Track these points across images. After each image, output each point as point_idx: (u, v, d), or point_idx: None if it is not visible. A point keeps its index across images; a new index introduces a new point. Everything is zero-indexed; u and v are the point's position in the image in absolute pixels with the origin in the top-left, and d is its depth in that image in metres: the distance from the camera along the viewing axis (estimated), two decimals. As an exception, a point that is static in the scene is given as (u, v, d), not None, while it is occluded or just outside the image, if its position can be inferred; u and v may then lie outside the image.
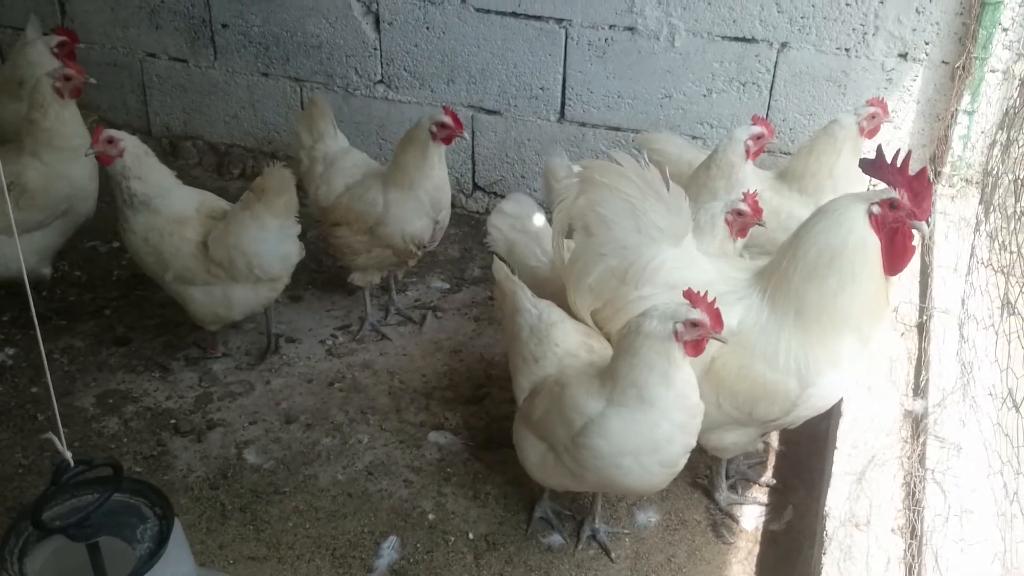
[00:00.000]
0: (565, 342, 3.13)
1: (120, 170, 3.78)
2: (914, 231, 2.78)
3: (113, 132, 3.77)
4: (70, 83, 4.12)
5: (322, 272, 4.85)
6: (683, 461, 2.87)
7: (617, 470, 2.82)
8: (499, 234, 3.73)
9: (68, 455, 1.97)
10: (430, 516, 3.45)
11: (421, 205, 4.07)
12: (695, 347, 2.67)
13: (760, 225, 3.43)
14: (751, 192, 3.45)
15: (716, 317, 2.65)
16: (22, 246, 4.06)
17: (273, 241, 3.87)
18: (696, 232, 3.38)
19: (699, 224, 3.40)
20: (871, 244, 2.79)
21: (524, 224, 3.72)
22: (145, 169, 3.82)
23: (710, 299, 2.66)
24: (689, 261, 3.14)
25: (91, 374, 4.14)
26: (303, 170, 4.36)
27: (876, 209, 2.76)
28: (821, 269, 2.84)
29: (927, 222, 2.80)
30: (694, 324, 2.63)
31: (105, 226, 4.53)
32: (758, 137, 3.77)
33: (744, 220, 3.42)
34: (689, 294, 2.68)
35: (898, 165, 2.76)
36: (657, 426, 2.74)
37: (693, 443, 2.84)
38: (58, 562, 2.04)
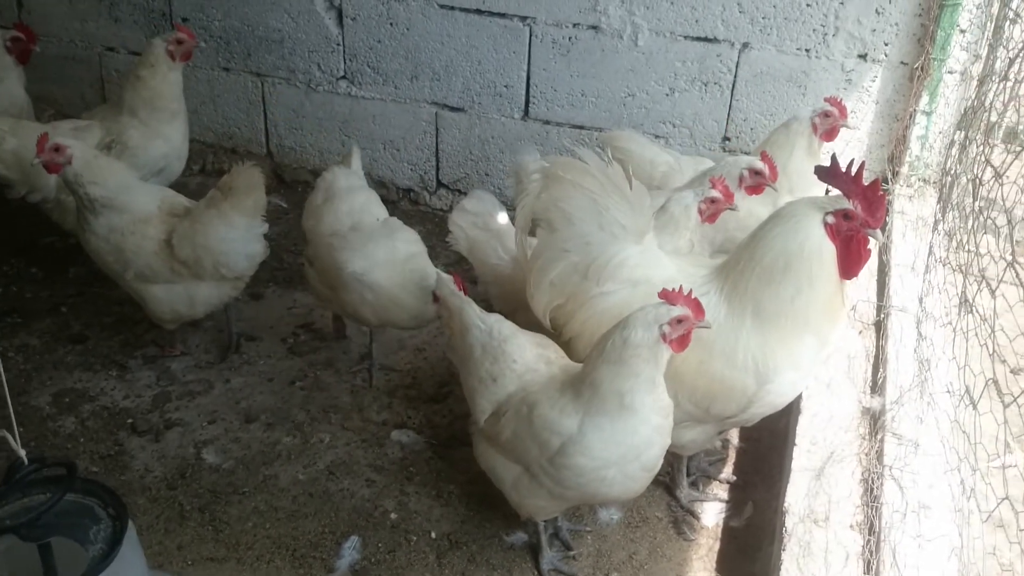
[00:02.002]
0: (522, 357, 3.03)
1: (72, 178, 3.70)
2: (869, 237, 2.81)
3: (59, 139, 3.69)
4: (182, 47, 4.45)
5: (283, 269, 4.81)
6: (660, 463, 2.87)
7: (601, 483, 2.80)
8: (460, 232, 3.72)
9: (22, 453, 1.94)
10: (392, 515, 3.43)
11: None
12: (681, 342, 2.68)
13: (732, 209, 3.45)
14: (719, 177, 3.47)
15: (697, 307, 2.66)
16: None
17: (240, 240, 3.82)
18: (669, 223, 3.40)
19: (672, 215, 3.41)
20: (827, 251, 2.82)
21: (486, 222, 3.71)
22: (99, 173, 3.74)
23: (686, 291, 2.68)
24: (650, 258, 3.16)
25: (47, 373, 4.08)
26: None
27: (831, 219, 2.80)
28: (777, 275, 2.87)
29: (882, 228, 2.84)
30: (679, 321, 2.64)
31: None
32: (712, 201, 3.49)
33: (717, 206, 3.43)
34: (665, 293, 2.68)
35: (852, 175, 2.79)
36: (636, 432, 2.72)
37: (668, 443, 2.84)
38: (9, 563, 2.01)
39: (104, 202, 3.74)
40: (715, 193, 3.40)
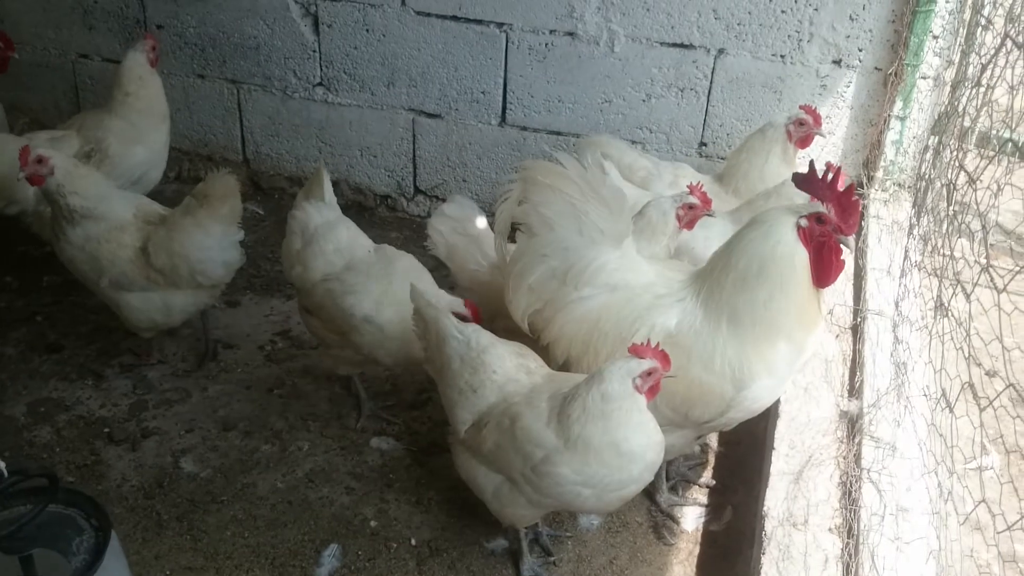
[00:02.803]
0: (502, 367, 2.99)
1: (55, 188, 3.68)
2: (841, 246, 2.83)
3: (41, 151, 3.66)
4: (155, 51, 4.63)
5: (260, 277, 4.79)
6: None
7: (576, 497, 2.81)
8: (440, 237, 3.71)
9: (2, 465, 1.92)
10: (372, 523, 3.42)
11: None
12: (653, 391, 2.74)
13: (710, 215, 3.47)
14: (697, 184, 3.48)
15: (664, 358, 2.71)
16: None
17: (217, 248, 3.80)
18: (647, 228, 3.41)
19: (650, 221, 3.42)
20: (799, 256, 2.83)
21: (465, 227, 3.70)
22: (79, 183, 3.72)
23: (653, 344, 2.73)
24: (629, 263, 3.16)
25: (23, 382, 4.04)
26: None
27: (804, 222, 2.81)
28: (751, 280, 2.88)
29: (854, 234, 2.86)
30: (649, 373, 2.69)
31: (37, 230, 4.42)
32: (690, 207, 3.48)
33: (695, 212, 3.44)
34: (634, 348, 2.72)
35: (828, 180, 2.81)
36: (624, 470, 2.76)
37: (651, 478, 2.88)
38: None
39: (83, 212, 3.72)
40: (693, 199, 3.42)
